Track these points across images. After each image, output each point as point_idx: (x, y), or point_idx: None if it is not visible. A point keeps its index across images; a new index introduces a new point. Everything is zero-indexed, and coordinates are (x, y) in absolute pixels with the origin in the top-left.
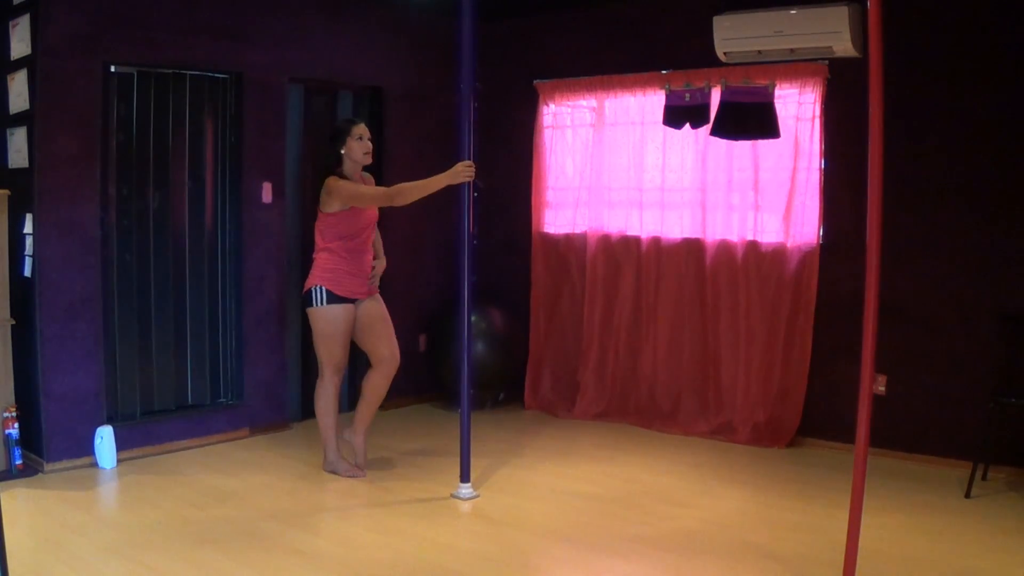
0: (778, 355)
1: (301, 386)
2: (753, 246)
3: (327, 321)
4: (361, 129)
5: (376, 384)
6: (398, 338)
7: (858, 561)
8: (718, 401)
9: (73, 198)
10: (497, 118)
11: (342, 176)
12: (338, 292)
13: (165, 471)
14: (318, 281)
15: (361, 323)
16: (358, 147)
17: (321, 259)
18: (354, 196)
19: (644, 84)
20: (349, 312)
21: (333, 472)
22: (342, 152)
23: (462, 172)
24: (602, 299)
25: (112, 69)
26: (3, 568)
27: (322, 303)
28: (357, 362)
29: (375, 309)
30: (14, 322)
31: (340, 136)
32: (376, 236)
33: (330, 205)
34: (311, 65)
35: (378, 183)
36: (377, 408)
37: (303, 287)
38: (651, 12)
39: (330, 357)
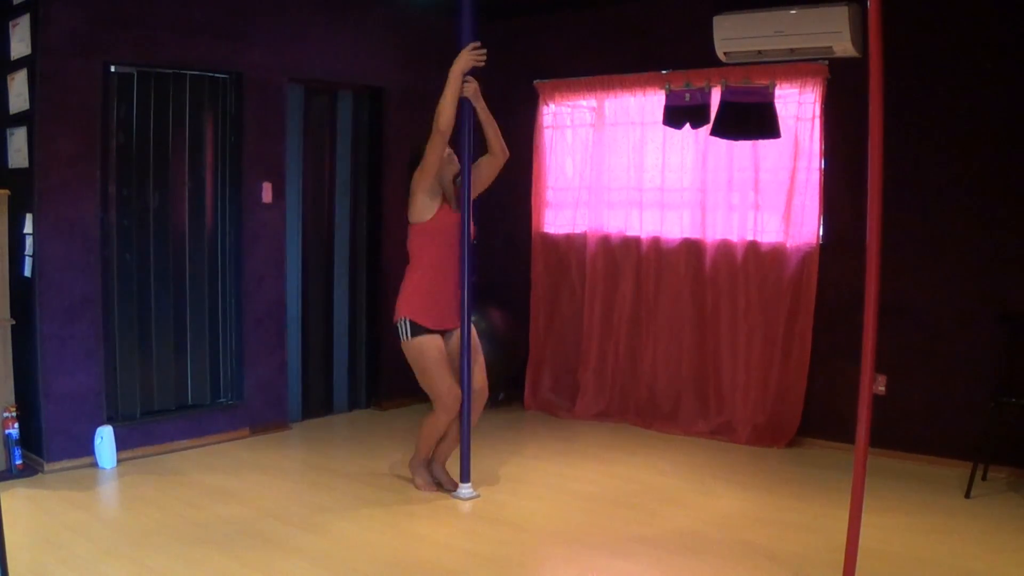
0: (778, 355)
1: (301, 386)
2: (753, 246)
3: (418, 353)
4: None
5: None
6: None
7: (858, 561)
8: (718, 401)
9: (73, 198)
10: (497, 118)
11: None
12: (425, 324)
13: (165, 471)
14: (404, 313)
15: (450, 352)
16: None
17: (410, 283)
18: (423, 166)
19: (644, 84)
20: (437, 340)
21: (413, 476)
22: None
23: (466, 58)
24: (602, 299)
25: (112, 69)
26: (3, 568)
27: (408, 336)
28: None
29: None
30: (14, 322)
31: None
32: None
33: (414, 209)
34: (311, 65)
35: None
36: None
37: (393, 313)
38: (651, 12)
39: (434, 389)
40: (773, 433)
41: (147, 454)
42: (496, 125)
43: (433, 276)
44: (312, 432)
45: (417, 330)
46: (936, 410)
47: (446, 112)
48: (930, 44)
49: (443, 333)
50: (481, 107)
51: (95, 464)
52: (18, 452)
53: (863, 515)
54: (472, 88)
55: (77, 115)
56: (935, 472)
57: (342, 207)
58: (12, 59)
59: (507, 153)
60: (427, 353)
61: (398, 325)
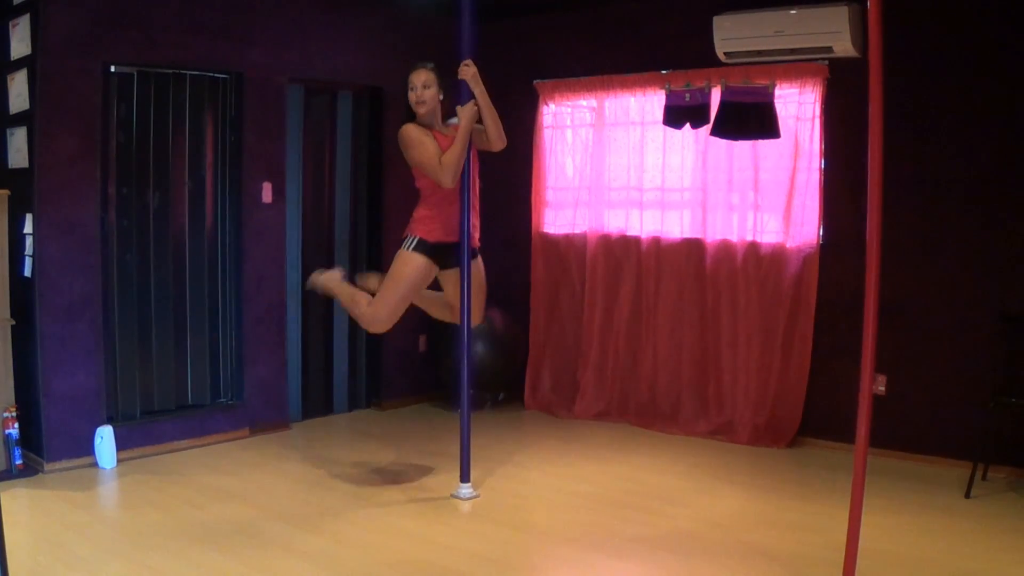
0: (778, 355)
1: (301, 386)
2: (753, 246)
3: (405, 263)
4: (413, 77)
5: (440, 297)
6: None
7: (858, 561)
8: (718, 401)
9: (73, 198)
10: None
11: (419, 125)
12: (430, 239)
13: (165, 471)
14: (414, 231)
15: (448, 279)
16: (410, 96)
17: (421, 211)
18: (407, 152)
19: (644, 84)
20: (431, 270)
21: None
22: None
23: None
24: (602, 299)
25: (112, 69)
26: (3, 568)
27: (409, 248)
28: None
29: (471, 274)
30: (14, 322)
31: (406, 87)
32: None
33: (407, 156)
34: (311, 65)
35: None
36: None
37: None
38: (651, 12)
39: (385, 298)
40: (773, 433)
41: (147, 454)
42: (495, 113)
43: (439, 207)
44: (312, 432)
45: (421, 247)
46: (936, 410)
47: (456, 166)
48: (930, 44)
49: (444, 269)
50: (480, 91)
51: (95, 464)
52: (18, 452)
53: (863, 515)
54: (471, 72)
55: (77, 115)
56: (935, 472)
57: (342, 207)
58: (12, 59)
59: (505, 142)
60: (411, 269)
61: (405, 240)
